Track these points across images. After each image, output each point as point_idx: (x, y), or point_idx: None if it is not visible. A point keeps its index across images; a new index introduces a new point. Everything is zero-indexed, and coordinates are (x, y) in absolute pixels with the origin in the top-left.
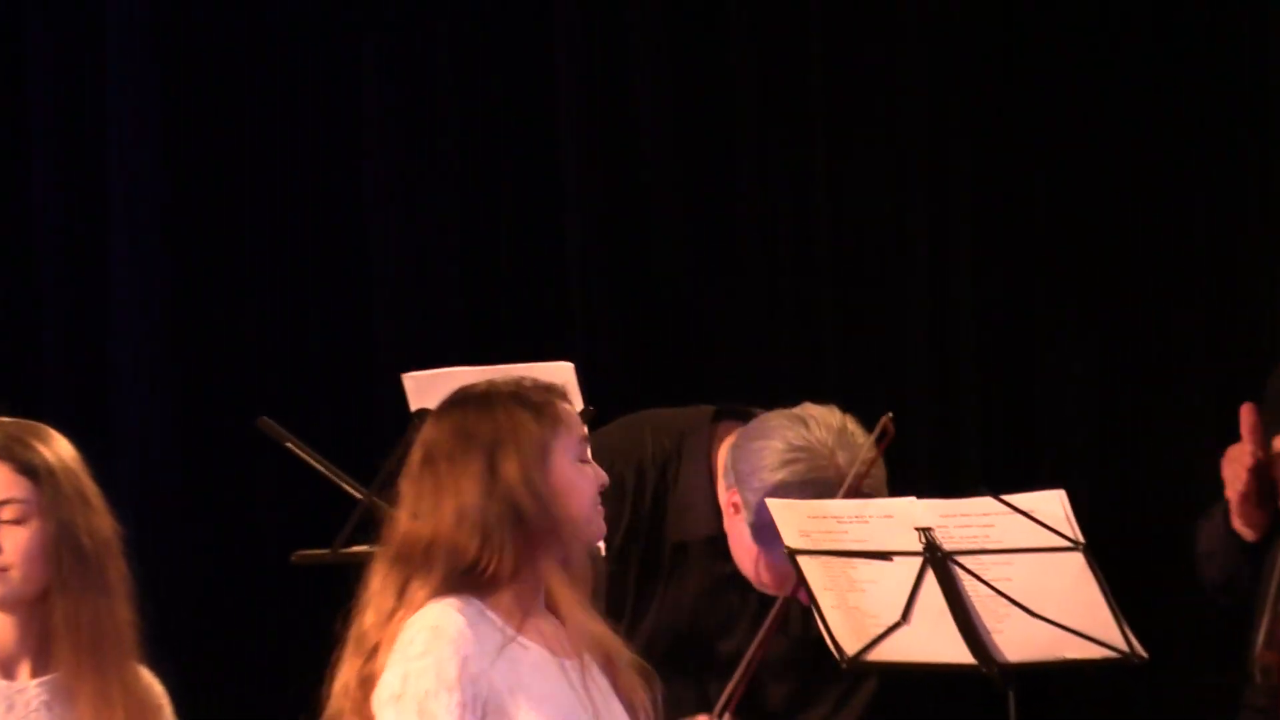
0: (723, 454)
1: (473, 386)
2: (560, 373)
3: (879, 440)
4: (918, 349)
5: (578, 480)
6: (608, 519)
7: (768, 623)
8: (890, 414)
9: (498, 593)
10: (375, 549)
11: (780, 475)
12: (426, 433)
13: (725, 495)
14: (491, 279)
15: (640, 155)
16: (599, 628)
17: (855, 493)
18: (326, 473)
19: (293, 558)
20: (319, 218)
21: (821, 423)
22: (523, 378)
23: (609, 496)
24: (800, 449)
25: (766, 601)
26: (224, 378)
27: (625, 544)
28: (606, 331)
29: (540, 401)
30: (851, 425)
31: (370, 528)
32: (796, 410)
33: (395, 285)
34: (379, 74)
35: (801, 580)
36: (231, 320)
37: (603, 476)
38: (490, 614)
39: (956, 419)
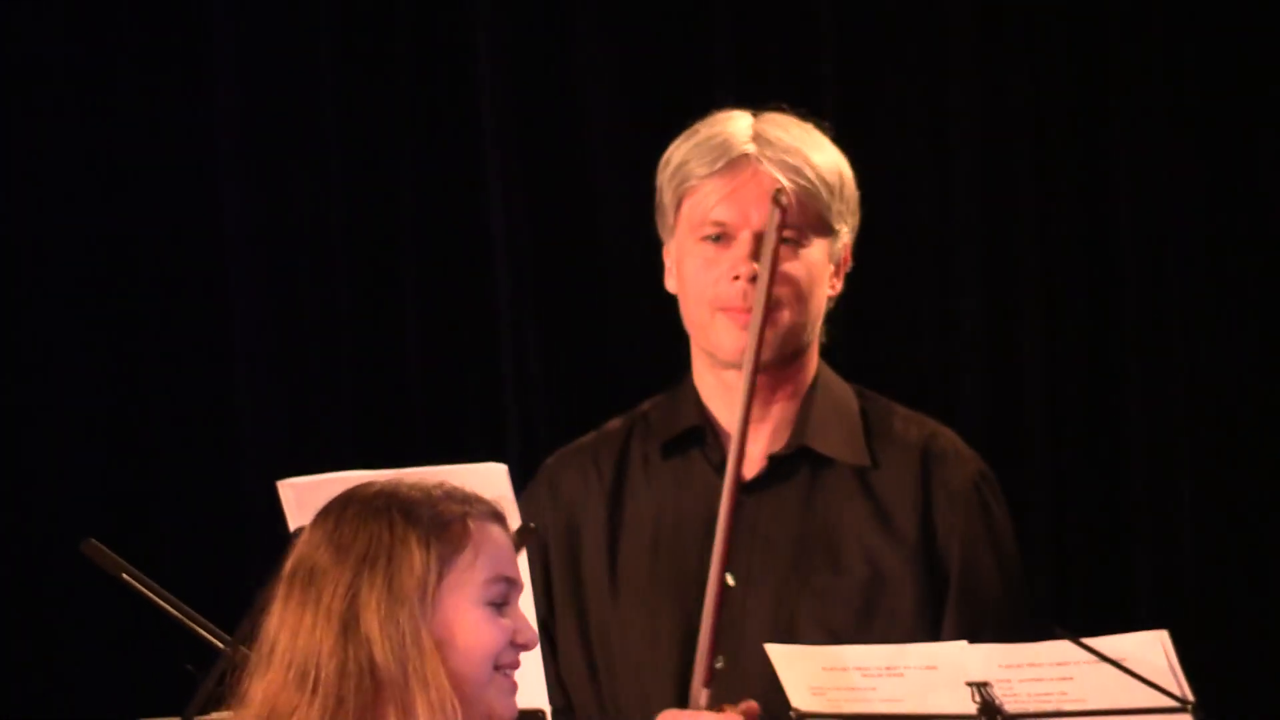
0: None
1: (369, 485)
2: (488, 478)
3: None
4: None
5: (477, 632)
6: None
7: (721, 524)
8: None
9: None
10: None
11: (675, 153)
12: (299, 545)
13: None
14: (393, 351)
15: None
16: None
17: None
18: (174, 613)
19: None
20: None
21: None
22: (439, 483)
23: None
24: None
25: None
26: (36, 487)
27: None
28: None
29: (443, 519)
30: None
31: (234, 687)
32: None
33: (264, 357)
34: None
35: None
36: (42, 407)
37: (529, 634)
38: None
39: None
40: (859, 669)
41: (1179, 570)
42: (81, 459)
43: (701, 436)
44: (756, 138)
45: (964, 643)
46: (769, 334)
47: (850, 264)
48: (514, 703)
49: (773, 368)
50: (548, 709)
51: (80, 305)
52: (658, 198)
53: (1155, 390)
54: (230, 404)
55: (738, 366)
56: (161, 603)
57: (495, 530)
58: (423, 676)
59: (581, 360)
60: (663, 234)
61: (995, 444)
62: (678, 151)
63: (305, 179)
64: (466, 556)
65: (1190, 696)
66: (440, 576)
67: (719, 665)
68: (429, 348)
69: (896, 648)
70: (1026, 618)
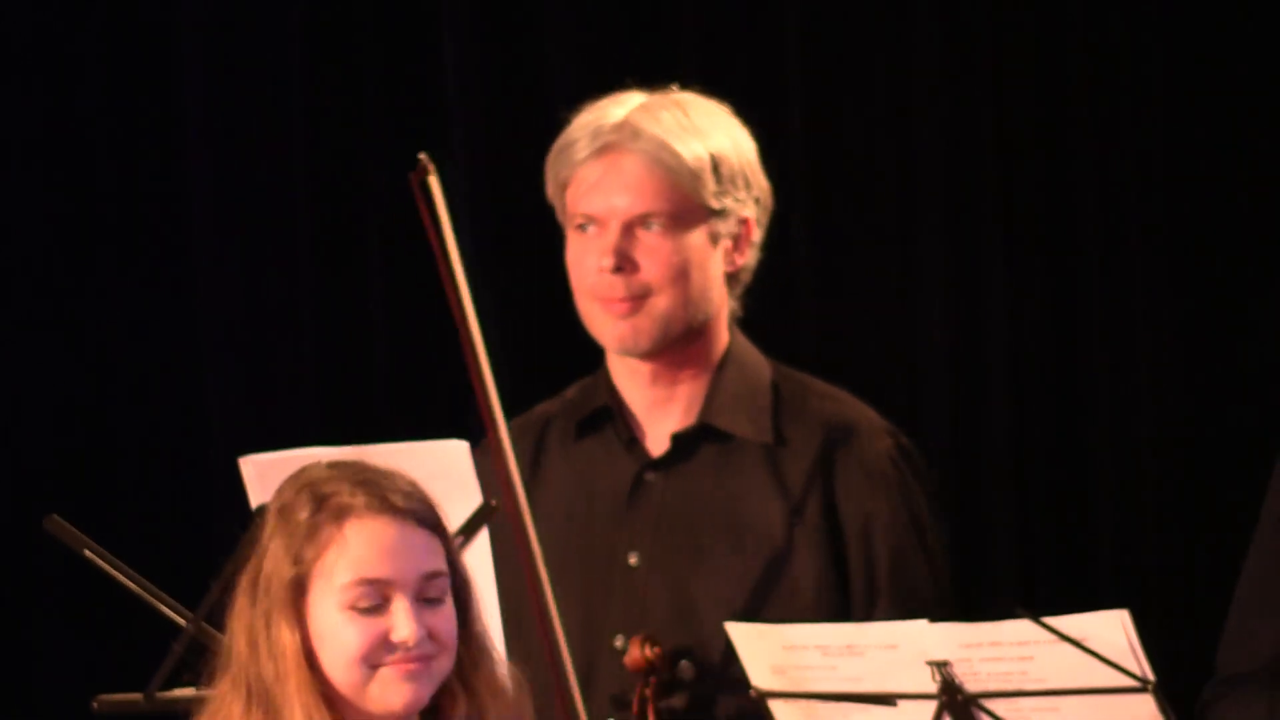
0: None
1: (305, 470)
2: (449, 455)
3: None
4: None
5: (336, 636)
6: None
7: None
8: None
9: None
10: (202, 693)
11: (558, 140)
12: None
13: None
14: (358, 325)
15: None
16: None
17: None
18: (137, 590)
19: (94, 704)
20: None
21: None
22: (359, 471)
23: None
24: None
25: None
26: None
27: None
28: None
29: (332, 505)
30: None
31: (197, 664)
32: None
33: (228, 332)
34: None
35: None
36: (8, 388)
37: (403, 632)
38: None
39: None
40: (819, 648)
41: (1140, 548)
42: (43, 434)
43: (611, 415)
44: (625, 125)
45: (924, 622)
46: (645, 322)
47: (758, 233)
48: (410, 689)
49: (671, 348)
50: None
51: (42, 281)
52: (548, 184)
53: (1118, 367)
54: (194, 378)
55: (622, 353)
56: (124, 579)
57: (376, 528)
58: (286, 682)
59: (544, 333)
60: (560, 219)
61: (957, 416)
62: (563, 136)
63: (270, 155)
64: (328, 561)
65: (1151, 676)
66: (306, 574)
67: (618, 645)
68: (394, 322)
69: (856, 626)
70: (946, 587)
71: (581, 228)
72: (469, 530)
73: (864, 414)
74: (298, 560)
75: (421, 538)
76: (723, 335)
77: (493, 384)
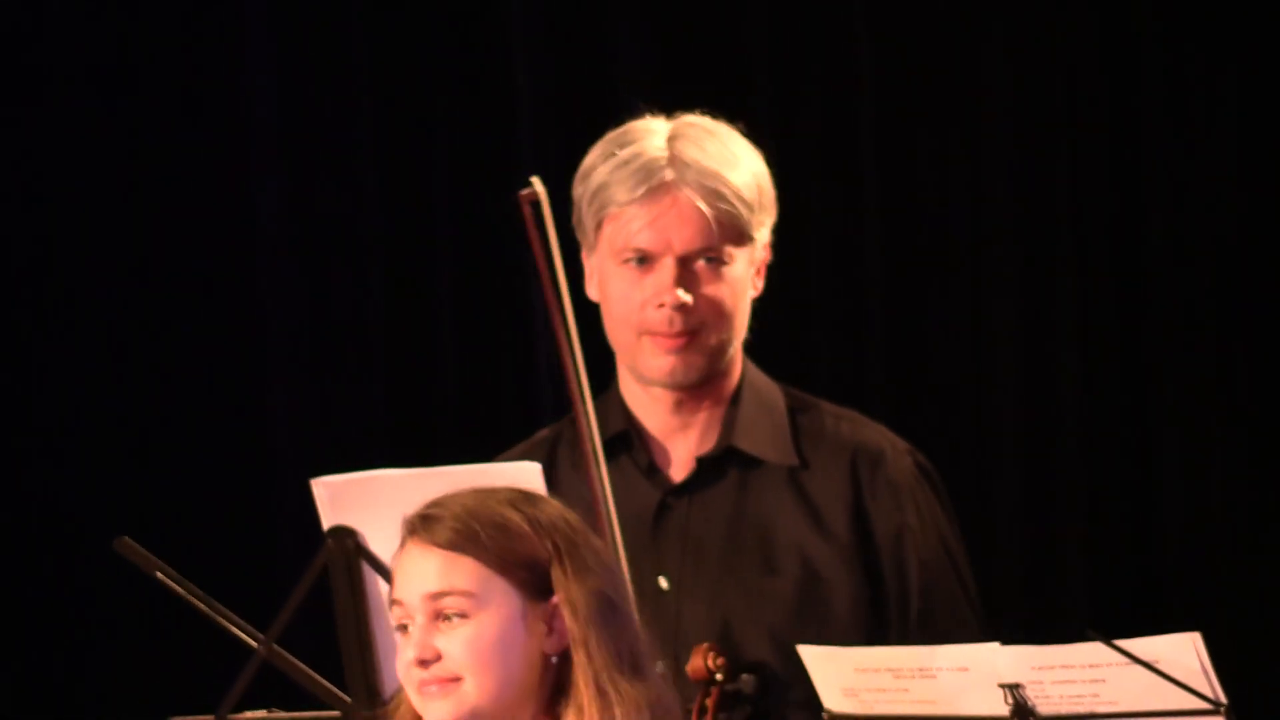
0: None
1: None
2: (522, 477)
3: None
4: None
5: (393, 654)
6: None
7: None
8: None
9: None
10: (274, 715)
11: (595, 173)
12: None
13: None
14: (427, 346)
15: None
16: None
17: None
18: (207, 611)
19: None
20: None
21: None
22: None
23: None
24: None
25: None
26: (69, 485)
27: None
28: None
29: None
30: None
31: (269, 686)
32: None
33: (298, 355)
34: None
35: None
36: (81, 411)
37: (416, 652)
38: None
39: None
40: (890, 670)
41: (1213, 570)
42: (115, 456)
43: (629, 442)
44: (674, 160)
45: (996, 644)
46: (696, 357)
47: (770, 256)
48: (431, 709)
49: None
50: None
51: (114, 303)
52: (575, 212)
53: (1188, 385)
54: (264, 401)
55: (665, 385)
56: (195, 600)
57: (407, 550)
58: None
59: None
60: (580, 240)
61: (1029, 441)
62: (596, 172)
63: (338, 174)
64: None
65: (1223, 698)
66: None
67: (660, 670)
68: (464, 343)
69: (928, 649)
70: (975, 599)
71: (635, 261)
72: None
73: (884, 435)
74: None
75: (436, 559)
76: (739, 360)
77: (592, 406)
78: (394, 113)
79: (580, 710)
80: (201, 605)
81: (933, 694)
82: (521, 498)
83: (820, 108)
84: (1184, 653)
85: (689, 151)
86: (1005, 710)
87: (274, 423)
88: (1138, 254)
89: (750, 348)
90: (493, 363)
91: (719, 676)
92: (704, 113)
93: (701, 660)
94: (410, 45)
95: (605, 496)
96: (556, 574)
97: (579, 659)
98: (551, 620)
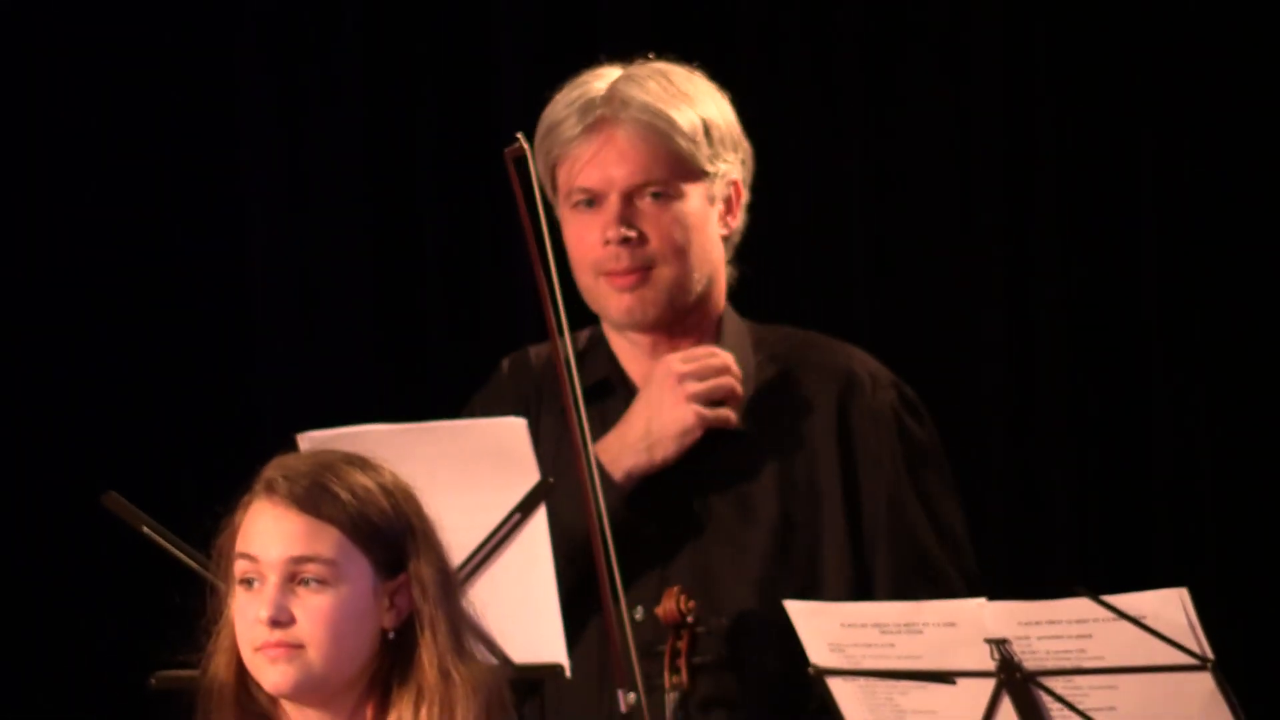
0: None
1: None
2: (506, 433)
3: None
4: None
5: (236, 610)
6: None
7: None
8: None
9: None
10: None
11: (544, 119)
12: None
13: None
14: (413, 302)
15: None
16: None
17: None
18: (194, 566)
19: (151, 680)
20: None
21: None
22: (315, 452)
23: None
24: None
25: None
26: (58, 444)
27: None
28: None
29: (255, 484)
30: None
31: None
32: None
33: (283, 310)
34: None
35: (832, 711)
36: (68, 368)
37: (262, 607)
38: None
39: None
40: (877, 625)
41: (1200, 526)
42: (100, 411)
43: (613, 388)
44: (611, 98)
45: (983, 600)
46: (651, 293)
47: (746, 196)
48: (272, 678)
49: (670, 320)
50: (566, 664)
51: (100, 259)
52: (539, 163)
53: (1177, 352)
54: (249, 356)
55: (628, 327)
56: (181, 555)
57: (262, 507)
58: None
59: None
60: (549, 195)
61: (1013, 396)
62: (545, 117)
63: (323, 129)
64: (238, 538)
65: (1210, 654)
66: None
67: (638, 617)
68: (451, 300)
69: (914, 604)
70: (956, 535)
71: (579, 204)
72: (526, 508)
73: (868, 364)
74: (229, 533)
75: (300, 522)
76: (719, 303)
77: (575, 361)
78: (379, 70)
79: (421, 691)
80: (186, 557)
81: (919, 649)
82: (370, 464)
83: (807, 71)
84: (1171, 608)
85: (628, 89)
86: (991, 665)
87: (260, 377)
88: (1131, 204)
89: (734, 296)
90: (480, 319)
91: (690, 619)
92: (678, 61)
93: (673, 603)
94: (396, 2)
95: (587, 445)
96: (410, 550)
97: (425, 639)
98: (394, 596)
